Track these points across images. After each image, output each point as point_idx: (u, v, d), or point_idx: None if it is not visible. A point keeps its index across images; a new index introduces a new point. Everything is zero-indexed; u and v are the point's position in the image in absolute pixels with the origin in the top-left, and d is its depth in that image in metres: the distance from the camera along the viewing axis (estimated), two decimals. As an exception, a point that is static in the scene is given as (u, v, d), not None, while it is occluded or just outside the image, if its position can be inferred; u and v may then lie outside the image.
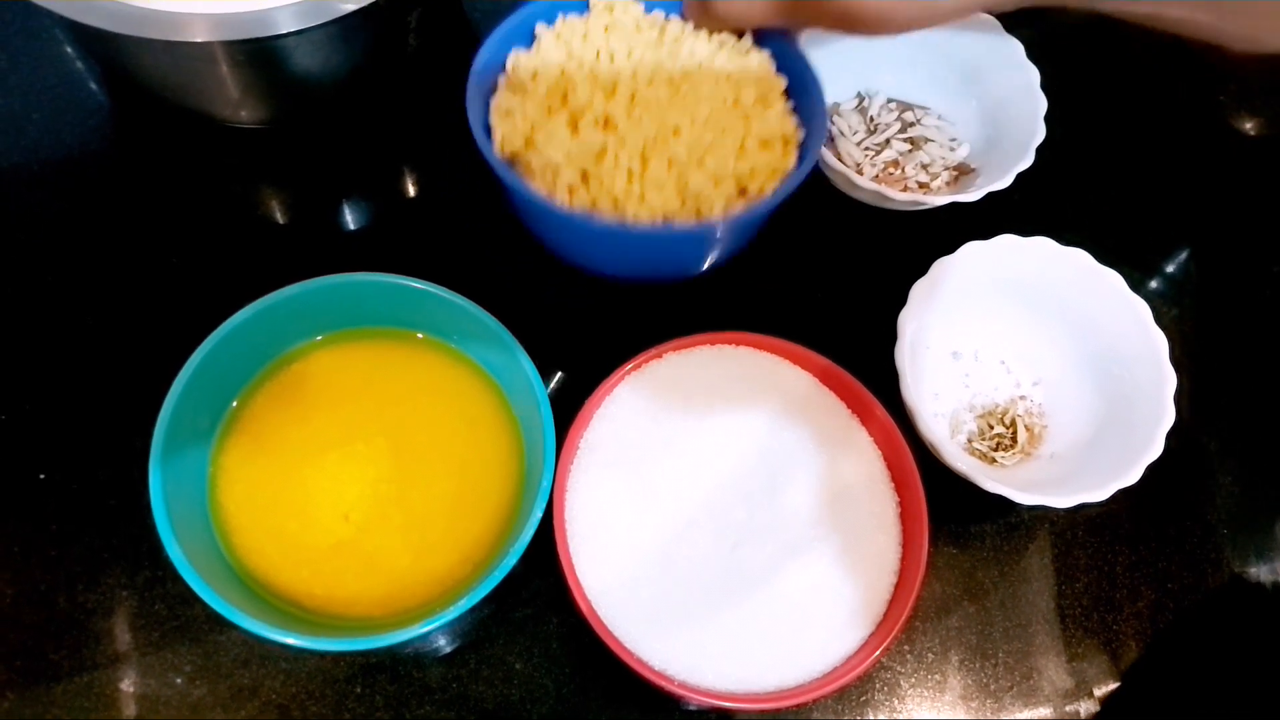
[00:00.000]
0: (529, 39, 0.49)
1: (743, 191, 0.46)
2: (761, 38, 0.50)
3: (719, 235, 0.45)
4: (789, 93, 0.49)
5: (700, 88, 0.46)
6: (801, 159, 0.47)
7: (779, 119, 0.47)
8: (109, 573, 0.44)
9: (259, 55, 0.46)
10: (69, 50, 0.56)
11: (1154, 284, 0.56)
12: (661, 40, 0.48)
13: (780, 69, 0.50)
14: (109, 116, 0.55)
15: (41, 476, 0.45)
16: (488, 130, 0.47)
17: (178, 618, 0.43)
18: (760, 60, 0.49)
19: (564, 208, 0.43)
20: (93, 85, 0.55)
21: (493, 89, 0.49)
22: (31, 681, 0.42)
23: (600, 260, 0.49)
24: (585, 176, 0.45)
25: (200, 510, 0.42)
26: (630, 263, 0.49)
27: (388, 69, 0.53)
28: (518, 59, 0.48)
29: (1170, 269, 0.57)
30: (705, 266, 0.50)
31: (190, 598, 0.43)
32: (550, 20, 0.49)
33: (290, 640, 0.37)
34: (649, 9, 0.50)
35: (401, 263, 0.45)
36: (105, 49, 0.48)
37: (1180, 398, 0.45)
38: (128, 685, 0.42)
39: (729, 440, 0.43)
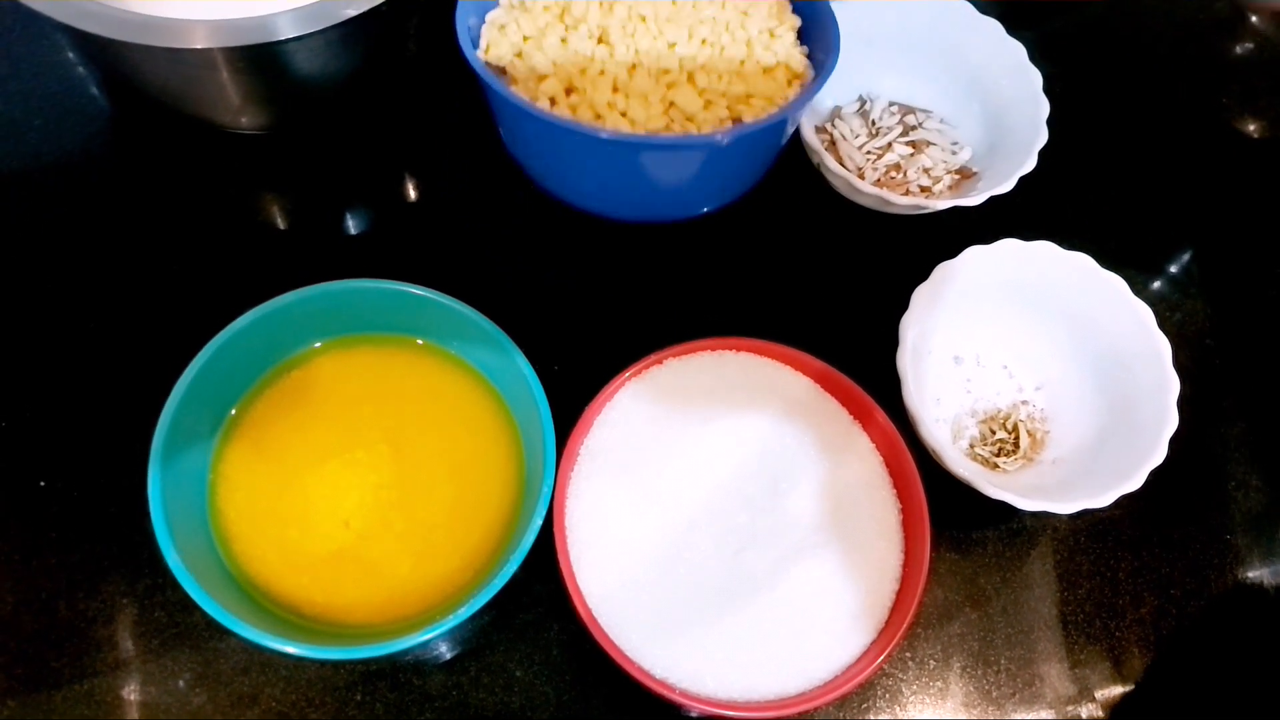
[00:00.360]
0: None
1: (736, 121, 0.44)
2: None
3: (701, 158, 0.42)
4: (802, 35, 0.47)
5: (704, 8, 0.44)
6: (808, 88, 0.44)
7: (786, 50, 0.45)
8: (109, 580, 0.44)
9: (259, 61, 0.46)
10: (70, 56, 0.56)
11: (1157, 287, 0.56)
12: None
13: (796, 9, 0.48)
14: (110, 122, 0.55)
15: (42, 484, 0.45)
16: (477, 45, 0.45)
17: (178, 625, 0.43)
18: None
19: (539, 110, 0.41)
20: (94, 91, 0.55)
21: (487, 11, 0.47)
22: (32, 689, 0.41)
23: (583, 182, 0.46)
24: (570, 90, 0.43)
25: (200, 517, 0.41)
26: (613, 185, 0.46)
27: (388, 74, 0.53)
28: None
29: (1173, 272, 0.57)
30: (699, 205, 0.47)
31: (190, 605, 0.43)
32: None
33: (290, 649, 0.37)
34: None
35: (402, 267, 0.45)
36: (106, 55, 0.48)
37: (1184, 402, 0.45)
38: (128, 693, 0.42)
39: (730, 446, 0.43)
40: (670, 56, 0.42)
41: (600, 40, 0.44)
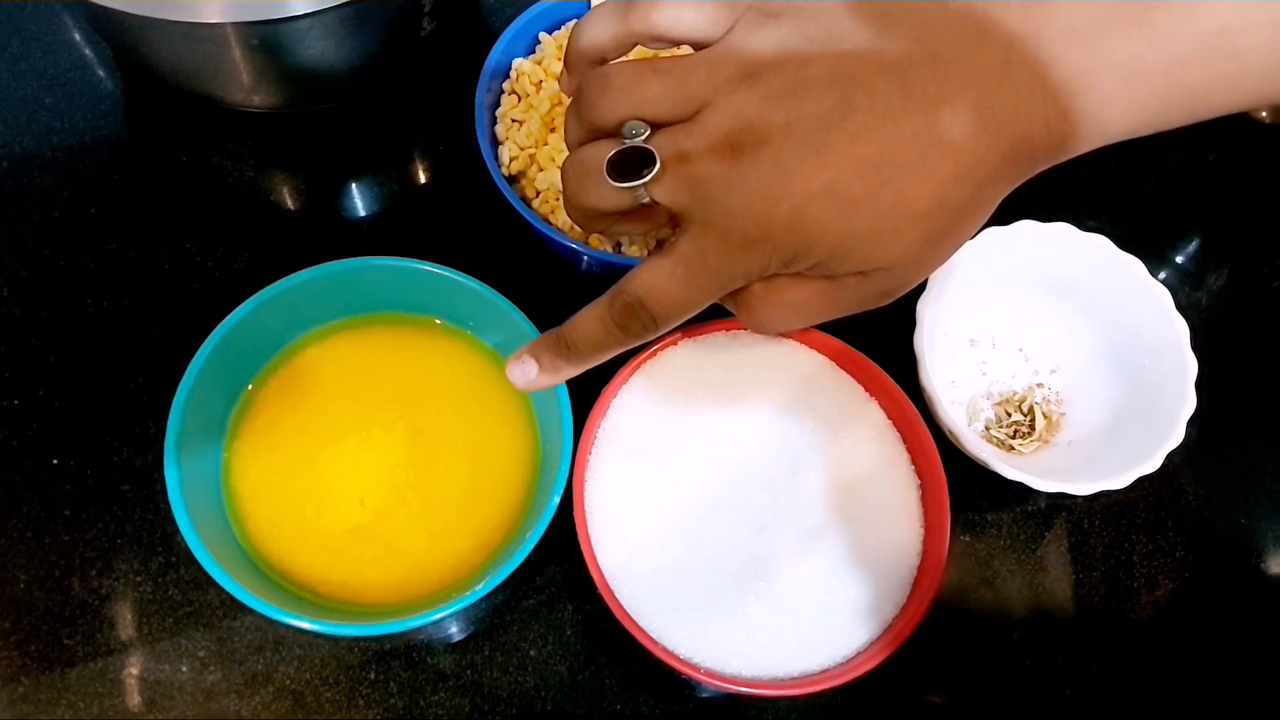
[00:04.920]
0: (532, 44, 0.51)
1: None
2: None
3: None
4: None
5: None
6: None
7: None
8: (122, 558, 0.44)
9: (272, 37, 0.45)
10: (77, 37, 0.56)
11: (1175, 269, 0.56)
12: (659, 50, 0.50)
13: None
14: (121, 101, 0.54)
15: (54, 462, 0.45)
16: (493, 139, 0.49)
17: (191, 603, 0.43)
18: None
19: (564, 238, 0.45)
20: (104, 70, 0.55)
21: (499, 93, 0.50)
22: (45, 667, 0.41)
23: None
24: None
25: (215, 496, 0.41)
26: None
27: (401, 53, 0.53)
28: (520, 67, 0.50)
29: (1191, 254, 0.57)
30: None
31: (204, 583, 0.43)
32: (552, 27, 0.51)
33: (304, 624, 0.37)
34: None
35: (415, 249, 0.44)
36: (117, 30, 0.47)
37: (1201, 384, 0.45)
38: (141, 671, 0.42)
39: (748, 426, 0.43)
40: None
41: None
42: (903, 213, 0.30)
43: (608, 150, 0.33)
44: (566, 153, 0.47)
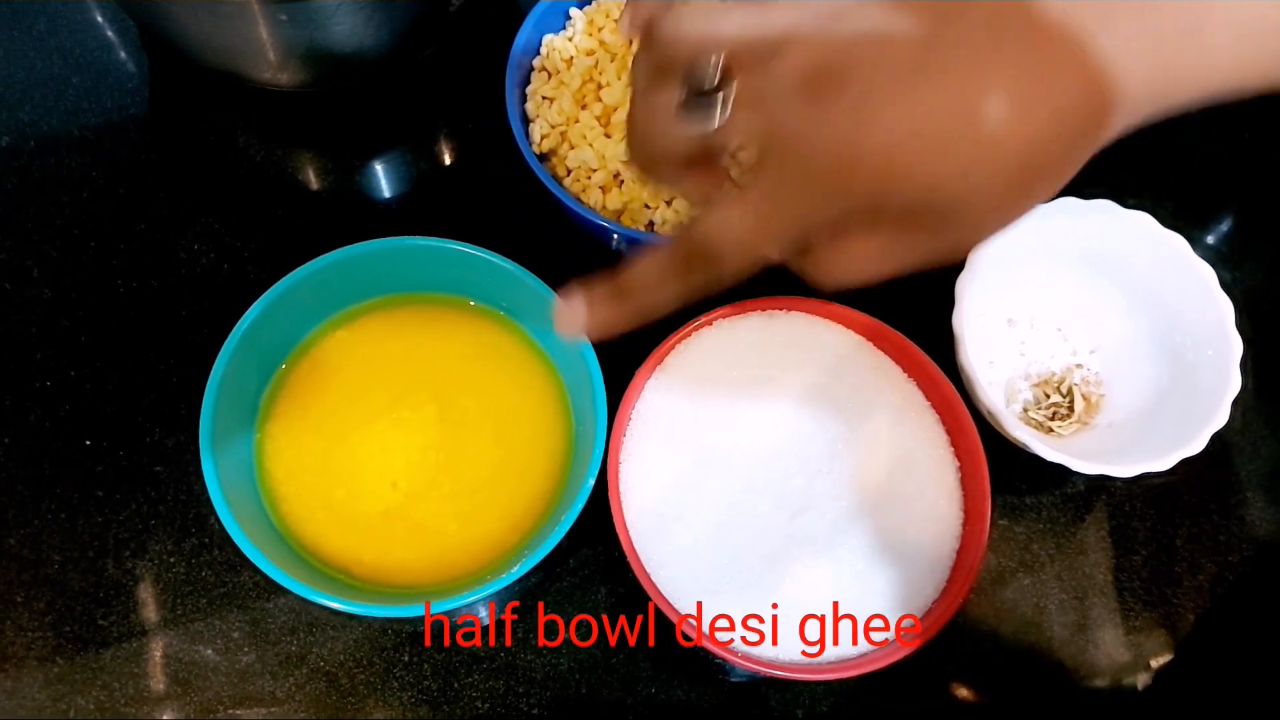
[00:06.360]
0: (562, 20, 0.51)
1: None
2: None
3: None
4: None
5: None
6: None
7: None
8: (156, 539, 0.44)
9: (300, 14, 0.45)
10: (99, 18, 0.55)
11: (1217, 248, 0.55)
12: None
13: None
14: (147, 81, 0.54)
15: (87, 443, 0.45)
16: (524, 117, 0.48)
17: (225, 584, 0.43)
18: None
19: (596, 216, 0.45)
20: (129, 50, 0.54)
21: (529, 70, 0.50)
22: (80, 647, 0.42)
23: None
24: (617, 176, 0.47)
25: (248, 478, 0.41)
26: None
27: (430, 29, 0.52)
28: (551, 44, 0.50)
29: (1234, 233, 0.55)
30: None
31: (238, 565, 0.43)
32: (582, 2, 0.51)
33: (338, 605, 0.37)
34: None
35: (445, 229, 0.44)
36: (144, 8, 0.47)
37: (1245, 365, 0.44)
38: (175, 651, 0.42)
39: (784, 407, 0.42)
40: None
41: None
42: (991, 161, 0.28)
43: (679, 92, 0.31)
44: (597, 130, 0.47)
